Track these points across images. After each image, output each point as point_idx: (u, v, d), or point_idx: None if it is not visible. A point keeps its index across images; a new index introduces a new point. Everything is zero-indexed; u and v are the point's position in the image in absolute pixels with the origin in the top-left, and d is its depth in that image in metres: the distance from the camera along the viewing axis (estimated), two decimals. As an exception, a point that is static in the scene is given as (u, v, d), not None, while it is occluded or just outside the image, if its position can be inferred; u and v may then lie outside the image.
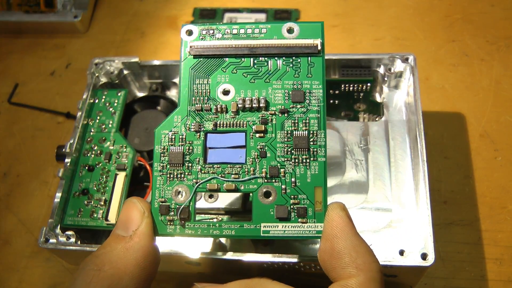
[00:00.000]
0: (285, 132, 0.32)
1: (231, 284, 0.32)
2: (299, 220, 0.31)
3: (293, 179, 0.31)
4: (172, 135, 0.33)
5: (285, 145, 0.32)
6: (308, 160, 0.31)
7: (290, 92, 0.32)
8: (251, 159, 0.32)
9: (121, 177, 0.43)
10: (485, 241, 0.45)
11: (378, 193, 0.41)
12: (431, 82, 0.55)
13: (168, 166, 0.32)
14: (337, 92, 0.47)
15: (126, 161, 0.44)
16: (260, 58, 0.33)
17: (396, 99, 0.46)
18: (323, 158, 0.31)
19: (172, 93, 0.52)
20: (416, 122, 0.41)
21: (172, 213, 0.32)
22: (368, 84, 0.46)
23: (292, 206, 0.31)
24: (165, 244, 0.43)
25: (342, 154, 0.44)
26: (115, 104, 0.48)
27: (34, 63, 0.65)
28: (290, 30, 0.33)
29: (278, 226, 0.31)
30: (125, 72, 0.51)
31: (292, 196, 0.31)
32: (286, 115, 0.32)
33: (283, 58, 0.33)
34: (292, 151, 0.32)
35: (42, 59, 0.66)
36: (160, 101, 0.51)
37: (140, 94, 0.53)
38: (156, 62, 0.50)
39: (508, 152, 0.50)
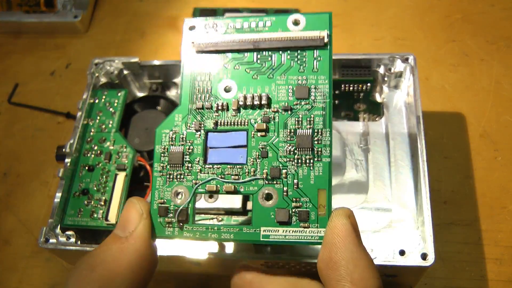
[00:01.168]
0: (288, 130, 0.30)
1: (278, 278, 0.31)
2: (300, 224, 0.29)
3: (295, 181, 0.30)
4: (172, 135, 0.32)
5: (288, 144, 0.30)
6: (311, 161, 0.30)
7: (294, 88, 0.31)
8: (252, 160, 0.30)
9: (121, 177, 0.43)
10: (485, 241, 0.45)
11: (378, 193, 0.41)
12: (431, 82, 0.55)
13: (168, 167, 0.31)
14: (337, 92, 0.47)
15: (126, 161, 0.44)
16: (264, 53, 0.32)
17: (396, 99, 0.46)
18: (328, 158, 0.29)
19: (172, 93, 0.52)
20: (416, 122, 0.41)
21: (171, 215, 0.31)
22: (368, 84, 0.46)
23: (293, 210, 0.29)
24: (165, 244, 0.43)
25: (342, 154, 0.44)
26: (115, 104, 0.48)
27: (34, 63, 0.65)
28: (295, 22, 0.31)
29: (278, 231, 0.29)
30: (125, 72, 0.51)
31: (294, 199, 0.30)
32: (289, 112, 0.31)
33: (288, 52, 0.31)
34: (295, 151, 0.30)
35: (42, 59, 0.66)
36: (160, 101, 0.51)
37: (140, 94, 0.53)
38: (156, 62, 0.50)
39: (508, 152, 0.50)
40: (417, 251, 0.36)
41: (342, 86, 0.47)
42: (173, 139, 0.32)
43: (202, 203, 0.40)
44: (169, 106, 0.51)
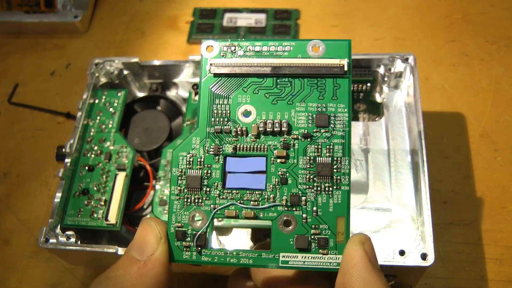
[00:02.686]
0: (308, 158, 0.30)
1: None
2: (319, 251, 0.29)
3: (314, 208, 0.30)
4: (190, 158, 0.31)
5: (307, 171, 0.30)
6: (331, 189, 0.30)
7: (314, 116, 0.31)
8: (271, 186, 0.30)
9: (121, 177, 0.43)
10: (485, 241, 0.45)
11: (378, 193, 0.41)
12: (431, 82, 0.55)
13: (186, 190, 0.31)
14: (337, 92, 0.47)
15: (126, 161, 0.44)
16: (283, 79, 0.31)
17: (396, 99, 0.46)
18: (347, 186, 0.30)
19: (172, 93, 0.52)
20: (416, 122, 0.41)
21: (189, 239, 0.30)
22: (368, 84, 0.46)
23: (312, 236, 0.30)
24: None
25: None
26: (115, 104, 0.48)
27: (34, 63, 0.65)
28: (315, 49, 0.31)
29: (297, 257, 0.30)
30: (125, 72, 0.51)
31: (313, 226, 0.30)
32: (309, 140, 0.31)
33: (308, 78, 0.31)
34: (315, 179, 0.30)
35: (42, 59, 0.66)
36: (160, 101, 0.51)
37: (140, 94, 0.53)
38: (156, 62, 0.50)
39: (508, 152, 0.50)
40: (417, 251, 0.36)
41: (342, 86, 0.46)
42: (191, 162, 0.31)
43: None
44: (169, 106, 0.51)
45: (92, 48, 0.65)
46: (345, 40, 0.31)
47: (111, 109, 0.47)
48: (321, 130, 0.31)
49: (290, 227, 0.30)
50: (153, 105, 0.51)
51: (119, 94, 0.48)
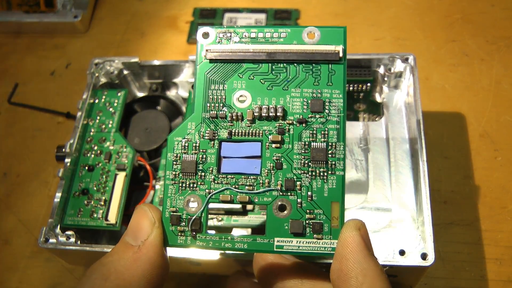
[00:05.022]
0: (303, 143, 0.31)
1: None
2: (314, 236, 0.30)
3: (309, 193, 0.30)
4: (185, 143, 0.32)
5: (302, 156, 0.31)
6: (325, 174, 0.30)
7: (309, 101, 0.31)
8: (266, 171, 0.31)
9: (121, 177, 0.43)
10: (485, 241, 0.45)
11: (378, 193, 0.41)
12: (431, 82, 0.55)
13: (181, 175, 0.31)
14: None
15: (126, 161, 0.44)
16: (279, 64, 0.32)
17: (396, 99, 0.46)
18: (342, 172, 0.30)
19: (172, 93, 0.52)
20: (416, 122, 0.41)
21: (183, 223, 0.31)
22: (368, 84, 0.46)
23: (307, 221, 0.30)
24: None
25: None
26: (115, 104, 0.48)
27: (34, 63, 0.65)
28: (310, 35, 0.32)
29: (292, 241, 0.30)
30: (125, 72, 0.51)
31: (307, 211, 0.30)
32: (304, 125, 0.31)
33: (303, 64, 0.32)
34: (309, 164, 0.30)
35: (42, 59, 0.66)
36: (160, 101, 0.51)
37: (140, 94, 0.53)
38: (156, 62, 0.50)
39: (508, 152, 0.50)
40: (417, 251, 0.36)
41: (342, 86, 0.46)
42: (186, 147, 0.32)
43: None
44: (169, 106, 0.51)
45: (92, 48, 0.65)
46: (341, 27, 0.32)
47: (111, 109, 0.47)
48: (316, 116, 0.31)
49: (285, 212, 0.30)
50: (153, 105, 0.51)
51: (119, 94, 0.48)
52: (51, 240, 0.40)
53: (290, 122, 0.31)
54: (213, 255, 0.38)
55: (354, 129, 0.45)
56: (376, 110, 0.48)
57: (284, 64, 0.32)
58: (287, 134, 0.31)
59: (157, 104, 0.51)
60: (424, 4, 0.63)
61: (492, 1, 0.61)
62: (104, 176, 0.44)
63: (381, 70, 0.46)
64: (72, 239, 0.40)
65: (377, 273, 0.27)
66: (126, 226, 0.45)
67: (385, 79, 0.46)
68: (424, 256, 0.36)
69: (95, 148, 0.45)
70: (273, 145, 0.31)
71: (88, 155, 0.45)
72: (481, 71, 0.56)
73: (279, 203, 0.30)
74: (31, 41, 0.68)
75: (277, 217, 0.30)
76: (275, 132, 0.31)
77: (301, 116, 0.31)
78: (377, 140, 0.44)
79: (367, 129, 0.45)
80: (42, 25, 0.66)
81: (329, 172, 0.30)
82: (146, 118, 0.49)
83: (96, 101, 0.48)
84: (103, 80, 0.50)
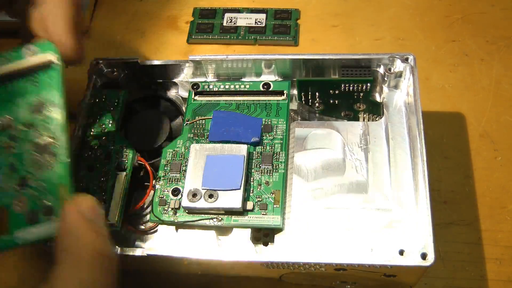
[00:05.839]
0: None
1: None
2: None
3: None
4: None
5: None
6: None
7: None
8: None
9: (121, 177, 0.43)
10: (485, 241, 0.45)
11: (378, 193, 0.41)
12: (431, 82, 0.55)
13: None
14: (337, 92, 0.47)
15: (126, 161, 0.44)
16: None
17: (396, 99, 0.46)
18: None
19: (172, 93, 0.52)
20: (416, 122, 0.41)
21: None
22: (368, 84, 0.46)
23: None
24: (165, 244, 0.43)
25: (342, 154, 0.44)
26: (115, 104, 0.48)
27: (34, 63, 0.65)
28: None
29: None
30: (125, 72, 0.51)
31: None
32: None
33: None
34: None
35: (42, 59, 0.65)
36: (160, 101, 0.51)
37: (140, 94, 0.53)
38: (156, 62, 0.49)
39: (508, 152, 0.50)
40: (417, 251, 0.36)
41: (342, 86, 0.47)
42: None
43: (202, 203, 0.40)
44: (168, 106, 0.51)
45: (92, 48, 0.65)
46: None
47: (111, 109, 0.47)
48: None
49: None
50: (153, 105, 0.51)
51: (119, 94, 0.48)
52: (51, 240, 0.41)
53: None
54: (213, 255, 0.38)
55: (354, 129, 0.45)
56: (376, 110, 0.48)
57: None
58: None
59: (157, 104, 0.51)
60: (424, 4, 0.63)
61: (492, 1, 0.61)
62: (104, 176, 0.44)
63: (381, 70, 0.46)
64: (72, 239, 0.41)
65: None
66: (126, 226, 0.45)
67: (385, 79, 0.46)
68: (424, 256, 0.36)
69: (95, 148, 0.45)
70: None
71: (88, 155, 0.45)
72: (481, 71, 0.56)
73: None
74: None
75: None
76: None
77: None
78: (377, 140, 0.44)
79: (367, 129, 0.45)
80: (42, 25, 0.66)
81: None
82: (146, 118, 0.49)
83: (96, 101, 0.48)
84: (103, 80, 0.50)
